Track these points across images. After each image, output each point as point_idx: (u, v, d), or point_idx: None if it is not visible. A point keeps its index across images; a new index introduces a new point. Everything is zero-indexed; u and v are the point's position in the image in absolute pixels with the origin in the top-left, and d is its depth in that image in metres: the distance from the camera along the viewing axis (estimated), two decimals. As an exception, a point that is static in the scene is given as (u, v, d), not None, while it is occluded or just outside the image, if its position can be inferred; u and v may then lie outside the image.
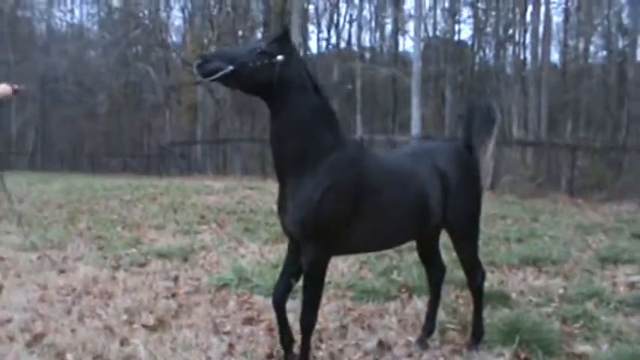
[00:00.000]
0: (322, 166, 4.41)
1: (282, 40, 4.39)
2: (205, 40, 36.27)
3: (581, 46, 36.66)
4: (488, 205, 14.53)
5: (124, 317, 6.19)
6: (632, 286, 7.66)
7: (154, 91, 37.63)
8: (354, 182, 4.51)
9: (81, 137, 42.78)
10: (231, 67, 4.19)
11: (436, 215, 4.95)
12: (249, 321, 6.17)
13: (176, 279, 7.88)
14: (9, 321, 5.96)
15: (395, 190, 4.74)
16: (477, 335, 5.40)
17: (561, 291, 7.27)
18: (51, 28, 47.57)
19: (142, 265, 8.68)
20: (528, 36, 33.39)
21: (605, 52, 35.81)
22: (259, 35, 40.46)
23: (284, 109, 4.40)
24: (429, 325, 5.59)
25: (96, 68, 42.36)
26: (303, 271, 4.62)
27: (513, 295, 7.03)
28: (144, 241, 10.52)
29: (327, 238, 4.48)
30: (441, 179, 4.90)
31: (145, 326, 5.91)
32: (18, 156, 42.72)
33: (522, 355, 5.22)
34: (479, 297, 5.41)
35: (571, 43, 36.68)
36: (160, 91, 37.35)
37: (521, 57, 36.05)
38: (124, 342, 5.43)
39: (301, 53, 32.97)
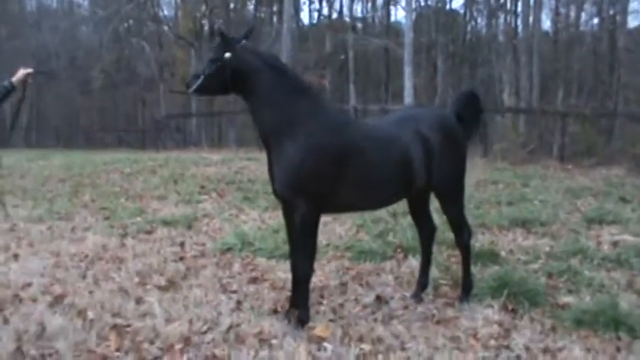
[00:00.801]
0: (302, 131, 4.96)
1: (222, 43, 5.09)
2: (197, 14, 36.30)
3: (573, 14, 36.77)
4: (481, 171, 14.93)
5: (137, 279, 6.58)
6: (615, 244, 8.08)
7: (147, 65, 37.63)
8: (335, 145, 5.01)
9: (75, 113, 42.70)
10: (199, 80, 5.09)
11: (420, 177, 5.40)
12: (253, 280, 6.58)
13: (182, 244, 8.29)
14: (29, 285, 6.33)
15: (378, 152, 5.21)
16: (466, 288, 5.86)
17: (548, 249, 7.71)
18: (41, 4, 47.34)
19: (148, 233, 9.07)
20: (520, 4, 33.50)
21: (596, 20, 35.98)
22: (251, 8, 40.54)
23: (249, 93, 5.10)
24: (423, 280, 6.05)
25: (88, 44, 42.29)
26: (297, 227, 5.14)
27: (503, 254, 7.46)
28: (148, 210, 10.88)
29: (314, 196, 5.01)
30: (424, 143, 5.34)
31: (157, 287, 6.32)
32: (13, 132, 42.55)
33: (510, 307, 5.63)
34: (466, 253, 5.88)
35: (563, 10, 36.73)
36: (153, 66, 37.38)
37: (513, 25, 36.13)
38: (139, 301, 5.83)
39: (294, 24, 33.19)
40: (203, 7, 35.63)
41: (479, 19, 40.62)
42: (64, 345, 4.71)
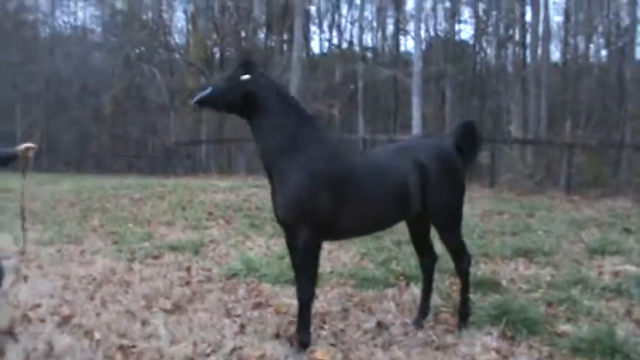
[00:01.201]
0: (302, 159, 5.17)
1: (245, 65, 5.35)
2: (209, 42, 36.73)
3: (582, 45, 37.00)
4: (486, 201, 15.04)
5: (143, 302, 6.73)
6: (616, 274, 8.12)
7: (158, 92, 37.98)
8: (333, 172, 5.23)
9: (86, 139, 43.03)
10: (210, 89, 5.28)
11: (415, 204, 5.58)
12: (258, 305, 6.70)
13: (188, 269, 8.43)
14: (38, 306, 6.52)
15: (376, 180, 5.42)
16: (463, 315, 5.97)
17: (549, 278, 7.78)
18: (55, 30, 47.90)
19: (155, 258, 9.22)
20: (528, 36, 33.73)
21: (604, 52, 36.19)
22: (262, 37, 40.97)
23: (256, 117, 5.31)
24: (424, 308, 6.16)
25: (100, 70, 42.76)
26: (299, 252, 5.35)
27: (504, 283, 7.54)
28: (155, 236, 11.03)
29: (315, 221, 5.20)
30: (421, 172, 5.52)
31: (163, 310, 6.46)
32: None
33: (509, 334, 5.72)
34: (465, 281, 6.01)
35: (572, 42, 36.93)
36: (164, 93, 37.72)
37: (522, 57, 36.35)
38: (144, 323, 5.98)
39: (304, 54, 33.47)
40: (214, 36, 36.06)
41: (488, 50, 40.89)
42: (71, 364, 4.85)
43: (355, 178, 5.35)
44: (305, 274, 5.36)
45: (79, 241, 10.61)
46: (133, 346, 5.33)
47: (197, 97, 5.26)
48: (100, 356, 5.08)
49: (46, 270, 8.35)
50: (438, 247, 6.41)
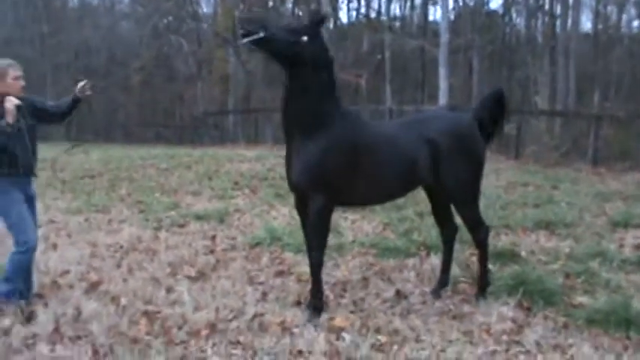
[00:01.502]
0: (324, 131, 5.27)
1: (312, 26, 5.29)
2: (236, 12, 36.70)
3: (614, 15, 36.47)
4: (511, 173, 15.02)
5: (168, 270, 6.94)
6: (638, 247, 8.12)
7: (186, 62, 38.12)
8: (351, 142, 5.36)
9: (115, 108, 43.43)
10: (262, 34, 5.05)
11: (424, 176, 5.70)
12: (280, 274, 6.87)
13: (213, 238, 8.61)
14: (67, 272, 6.76)
15: (386, 153, 5.54)
16: (482, 285, 6.06)
17: (568, 250, 7.81)
18: (83, 1, 48.13)
19: (181, 226, 9.42)
20: (559, 6, 33.26)
21: (637, 22, 35.66)
22: (289, 6, 40.91)
23: (297, 81, 5.30)
24: (443, 278, 6.28)
25: (128, 40, 42.97)
26: (310, 218, 5.48)
27: (523, 254, 7.60)
28: (182, 205, 11.23)
29: (329, 189, 5.36)
30: (430, 146, 5.60)
31: (187, 277, 6.66)
32: (54, 127, 43.36)
33: (525, 304, 5.81)
34: (483, 251, 6.08)
35: (604, 12, 36.36)
36: (192, 63, 37.85)
37: (552, 26, 35.88)
38: (169, 290, 6.18)
39: (331, 23, 33.34)
40: (241, 5, 36.02)
41: (518, 20, 40.42)
42: (98, 327, 5.07)
43: (368, 149, 5.47)
44: (316, 240, 5.51)
45: (107, 210, 10.86)
46: (158, 312, 5.52)
47: (254, 37, 5.06)
48: (125, 321, 5.27)
49: (74, 238, 8.60)
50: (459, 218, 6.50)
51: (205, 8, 41.62)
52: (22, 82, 5.66)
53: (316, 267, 5.52)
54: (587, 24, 37.61)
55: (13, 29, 40.68)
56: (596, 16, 35.54)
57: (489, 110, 6.04)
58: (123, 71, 39.73)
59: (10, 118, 5.40)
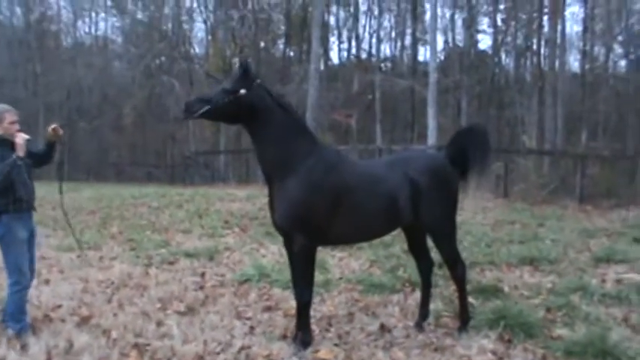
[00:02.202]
0: (301, 168, 5.45)
1: (243, 77, 5.55)
2: (228, 52, 37.14)
3: (601, 56, 37.06)
4: (499, 211, 15.20)
5: (158, 305, 7.09)
6: (619, 282, 8.29)
7: (178, 102, 38.40)
8: (330, 181, 5.52)
9: (106, 148, 43.69)
10: (207, 107, 5.47)
11: (406, 214, 5.86)
12: (268, 309, 7.02)
13: (203, 275, 8.77)
14: (59, 306, 6.93)
15: (367, 191, 5.71)
16: (463, 320, 6.23)
17: (550, 285, 7.98)
18: (77, 40, 48.53)
19: (171, 264, 9.58)
20: (547, 46, 33.77)
21: (624, 62, 36.22)
22: (280, 48, 41.41)
23: (256, 128, 5.57)
24: (424, 311, 6.47)
25: (121, 80, 43.39)
26: (295, 258, 5.70)
27: (506, 289, 7.77)
28: (172, 243, 11.39)
29: (311, 228, 5.51)
30: (411, 185, 5.79)
31: (176, 312, 6.82)
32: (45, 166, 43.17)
33: (506, 337, 5.96)
34: (461, 286, 6.27)
35: (591, 52, 36.89)
36: (183, 103, 38.04)
37: (539, 67, 36.38)
38: (159, 324, 6.34)
39: (322, 65, 33.72)
40: (233, 46, 36.48)
41: (506, 60, 40.97)
42: (89, 359, 5.18)
43: (349, 189, 5.63)
44: (302, 278, 5.68)
45: (98, 247, 11.03)
46: (148, 345, 5.67)
47: (199, 112, 5.48)
48: (116, 353, 5.42)
49: (66, 274, 8.76)
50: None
51: (197, 49, 42.20)
52: (17, 127, 5.91)
53: (303, 304, 5.67)
54: (574, 64, 38.19)
55: (6, 69, 41.05)
56: (584, 56, 36.10)
57: (460, 146, 6.18)
58: (115, 111, 40.07)
59: (20, 152, 5.77)
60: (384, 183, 5.80)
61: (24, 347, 5.56)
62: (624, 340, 5.78)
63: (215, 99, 5.47)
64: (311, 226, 5.51)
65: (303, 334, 5.68)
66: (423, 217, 5.90)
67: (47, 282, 8.15)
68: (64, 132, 6.34)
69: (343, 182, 5.63)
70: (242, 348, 5.58)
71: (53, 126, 6.21)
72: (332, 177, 5.58)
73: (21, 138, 5.82)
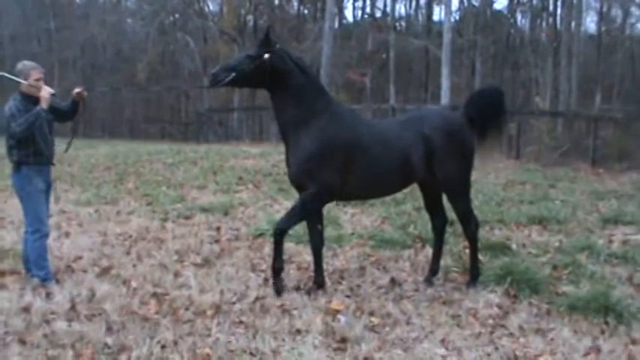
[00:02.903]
0: (316, 125, 5.71)
1: (265, 42, 5.79)
2: (242, 10, 37.07)
3: (618, 18, 36.69)
4: (511, 172, 15.30)
5: (175, 257, 7.35)
6: (626, 242, 8.43)
7: (192, 59, 38.41)
8: (343, 139, 5.76)
9: (120, 105, 43.83)
10: (233, 74, 5.72)
11: (418, 172, 6.07)
12: (281, 262, 7.21)
13: (218, 229, 9.00)
14: (80, 258, 7.20)
15: (381, 149, 5.91)
16: (473, 275, 6.42)
17: (557, 244, 8.14)
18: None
19: (187, 218, 9.81)
20: (563, 7, 33.42)
21: (640, 24, 35.89)
22: (295, 5, 41.20)
23: (278, 90, 5.84)
24: (434, 267, 6.66)
25: (134, 37, 43.32)
26: (299, 198, 5.96)
27: (514, 247, 7.94)
28: (187, 198, 11.62)
29: (324, 183, 5.78)
30: (425, 142, 5.96)
31: (193, 264, 7.07)
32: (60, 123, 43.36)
33: (512, 292, 6.16)
34: (473, 243, 6.48)
35: (608, 13, 36.50)
36: (197, 60, 38.14)
37: (556, 28, 36.02)
38: (176, 275, 6.60)
39: (336, 23, 33.53)
40: (247, 4, 36.36)
41: (522, 21, 40.60)
42: (111, 307, 5.47)
43: (362, 147, 5.86)
44: (294, 213, 5.95)
45: (115, 202, 11.27)
46: (166, 294, 5.91)
47: (226, 81, 5.71)
48: (136, 301, 5.67)
49: (85, 227, 9.01)
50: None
51: (211, 6, 42.06)
52: (42, 84, 6.07)
53: (280, 230, 5.93)
54: (591, 26, 37.80)
55: (19, 26, 41.07)
56: (601, 17, 35.73)
57: (477, 107, 6.33)
58: (129, 68, 40.05)
59: (44, 105, 5.97)
60: (398, 140, 5.99)
61: (49, 295, 5.82)
62: (627, 298, 5.96)
63: (240, 66, 5.72)
64: (323, 180, 5.74)
65: (274, 262, 5.98)
66: (438, 174, 6.09)
67: (67, 235, 8.41)
68: (86, 95, 6.49)
69: (356, 140, 5.85)
70: (257, 298, 5.81)
71: (78, 90, 6.38)
72: (345, 135, 5.81)
73: (46, 91, 6.01)
